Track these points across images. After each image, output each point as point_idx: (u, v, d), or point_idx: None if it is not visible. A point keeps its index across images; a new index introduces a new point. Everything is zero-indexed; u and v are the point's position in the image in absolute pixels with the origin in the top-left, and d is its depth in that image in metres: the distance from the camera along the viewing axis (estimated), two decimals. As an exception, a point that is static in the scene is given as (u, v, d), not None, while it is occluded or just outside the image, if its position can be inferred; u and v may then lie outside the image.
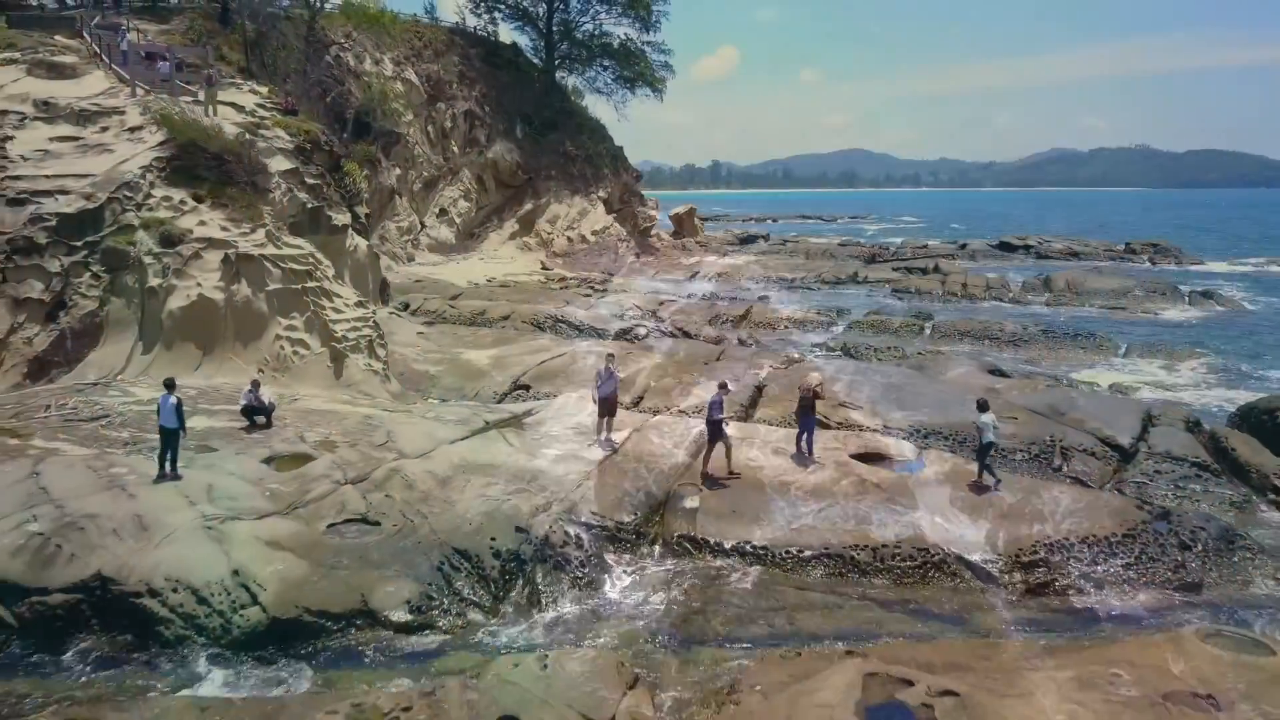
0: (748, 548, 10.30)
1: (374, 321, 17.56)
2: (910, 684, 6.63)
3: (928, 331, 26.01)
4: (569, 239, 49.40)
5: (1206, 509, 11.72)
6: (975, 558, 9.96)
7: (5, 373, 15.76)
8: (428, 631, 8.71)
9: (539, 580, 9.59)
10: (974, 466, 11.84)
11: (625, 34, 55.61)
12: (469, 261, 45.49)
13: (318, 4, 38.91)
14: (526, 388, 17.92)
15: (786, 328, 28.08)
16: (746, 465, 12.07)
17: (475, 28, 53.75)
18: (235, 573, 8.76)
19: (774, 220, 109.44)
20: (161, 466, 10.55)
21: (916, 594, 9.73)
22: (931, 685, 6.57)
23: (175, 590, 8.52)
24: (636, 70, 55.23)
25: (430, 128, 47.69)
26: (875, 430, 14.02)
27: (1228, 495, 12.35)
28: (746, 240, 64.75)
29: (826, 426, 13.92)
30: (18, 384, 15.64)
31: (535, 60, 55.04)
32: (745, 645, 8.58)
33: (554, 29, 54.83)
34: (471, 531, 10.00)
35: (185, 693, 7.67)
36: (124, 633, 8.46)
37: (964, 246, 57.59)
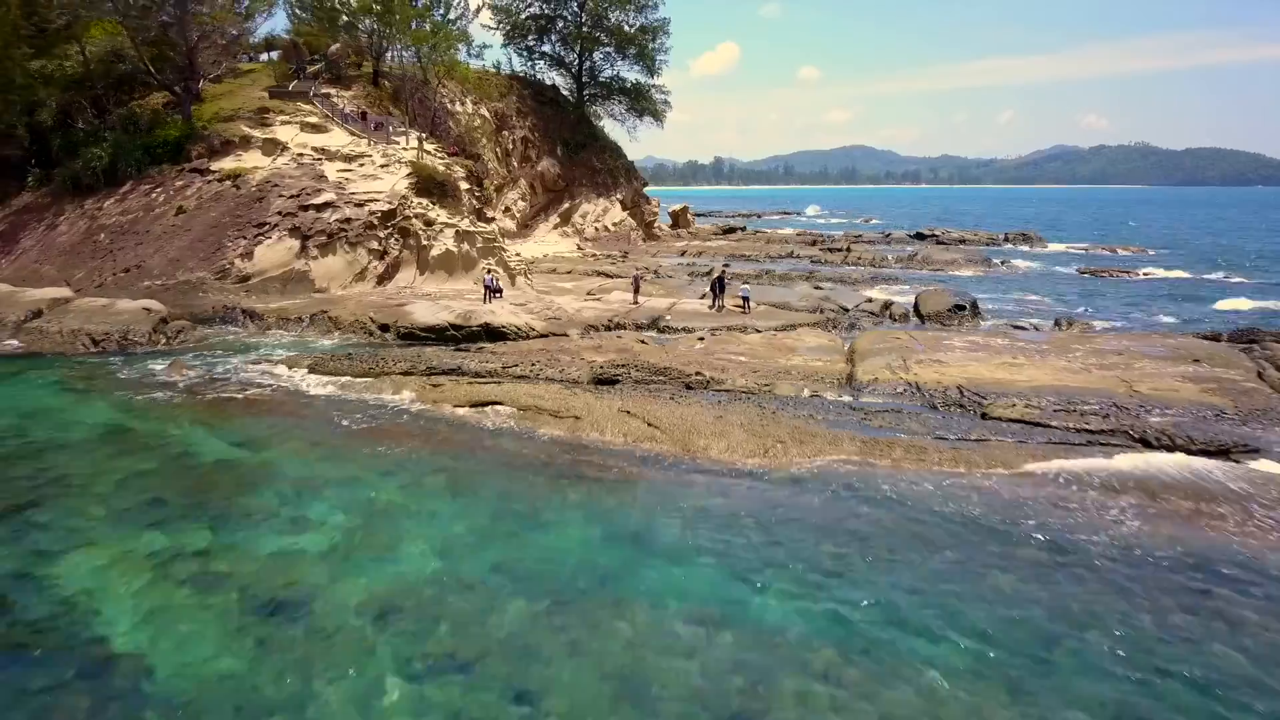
0: (684, 328, 29.68)
1: (526, 261, 37.14)
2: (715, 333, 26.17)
3: (809, 279, 45.33)
4: (595, 229, 68.83)
5: (867, 312, 31.07)
6: (762, 330, 29.43)
7: (368, 282, 35.24)
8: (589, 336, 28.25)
9: (614, 332, 29.16)
10: (780, 310, 31.36)
11: (635, 78, 75.21)
12: (526, 245, 64.80)
13: (436, 69, 58.21)
14: (592, 293, 37.38)
15: (731, 279, 47.49)
16: (689, 308, 31.62)
17: (524, 73, 73.16)
18: (527, 322, 28.30)
19: (759, 216, 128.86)
20: (486, 299, 30.33)
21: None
22: (711, 341, 26.06)
23: (511, 327, 28.01)
24: (643, 105, 74.73)
25: (498, 149, 66.99)
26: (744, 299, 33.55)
27: (875, 318, 31.81)
28: (728, 231, 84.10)
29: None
30: (374, 287, 35.11)
31: (569, 97, 74.43)
32: (678, 336, 28.02)
33: (583, 74, 74.28)
34: (592, 320, 29.53)
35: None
36: (492, 339, 27.87)
37: (887, 235, 77.10)
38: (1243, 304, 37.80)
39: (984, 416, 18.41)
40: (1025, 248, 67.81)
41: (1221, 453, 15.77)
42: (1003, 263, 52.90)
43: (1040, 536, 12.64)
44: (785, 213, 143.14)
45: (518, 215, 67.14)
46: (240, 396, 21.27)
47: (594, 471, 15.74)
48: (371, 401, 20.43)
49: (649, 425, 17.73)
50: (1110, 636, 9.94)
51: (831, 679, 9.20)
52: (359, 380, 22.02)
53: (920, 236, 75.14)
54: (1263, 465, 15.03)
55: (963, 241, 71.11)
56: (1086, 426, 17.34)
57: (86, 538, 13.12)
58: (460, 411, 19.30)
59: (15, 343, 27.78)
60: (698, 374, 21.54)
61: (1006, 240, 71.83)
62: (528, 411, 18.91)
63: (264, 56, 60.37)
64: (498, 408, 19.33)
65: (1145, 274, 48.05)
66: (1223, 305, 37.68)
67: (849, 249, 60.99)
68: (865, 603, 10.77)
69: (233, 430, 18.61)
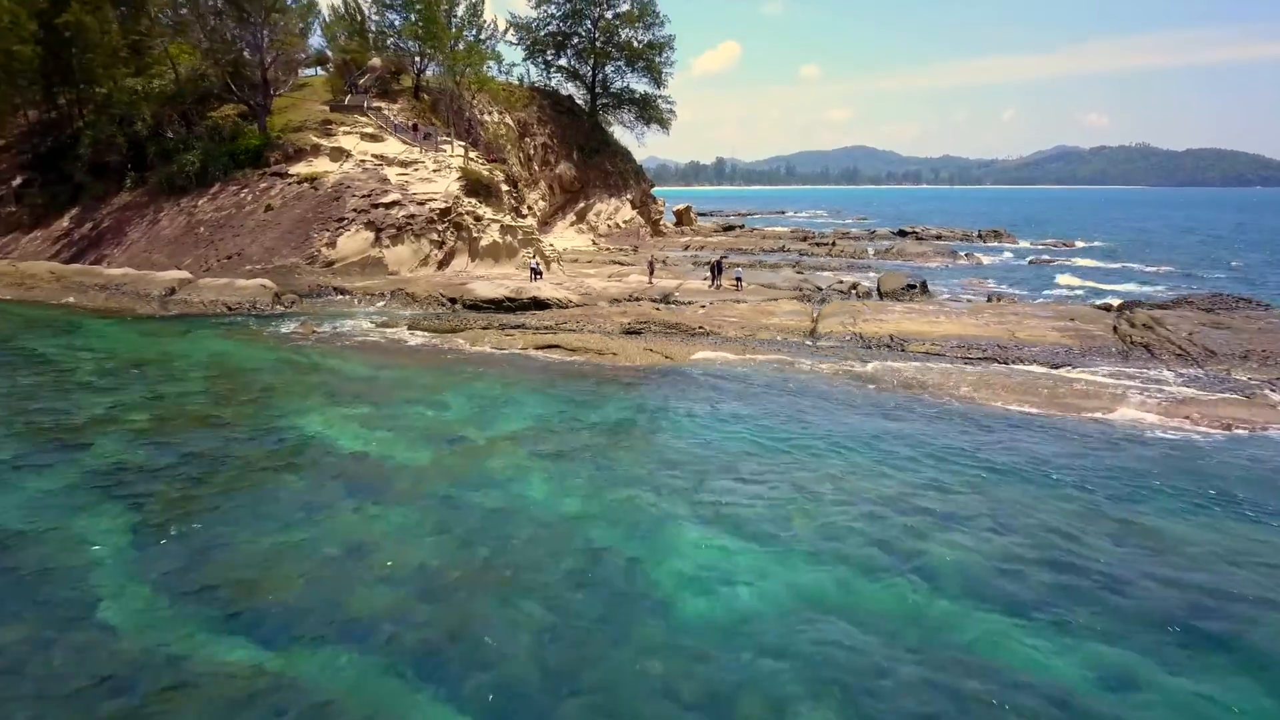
0: (689, 301, 37.35)
1: (559, 251, 44.84)
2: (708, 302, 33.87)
3: (795, 267, 52.93)
4: (608, 226, 76.48)
5: (837, 291, 38.73)
6: (750, 302, 37.11)
7: (430, 267, 42.89)
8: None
9: (634, 303, 36.87)
10: (767, 289, 39.01)
11: (644, 89, 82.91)
12: (547, 241, 72.48)
13: (466, 83, 65.89)
14: (613, 276, 45.01)
15: (728, 266, 55.14)
16: (693, 286, 39.31)
17: (542, 84, 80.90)
18: (566, 296, 36.01)
19: (757, 214, 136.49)
20: (531, 279, 38.03)
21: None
22: (711, 308, 33.75)
23: (554, 299, 35.70)
24: (651, 114, 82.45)
25: (521, 154, 74.65)
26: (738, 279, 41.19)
27: (843, 295, 39.42)
28: (728, 228, 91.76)
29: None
30: (435, 271, 42.76)
31: (584, 107, 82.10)
32: (685, 306, 35.65)
33: (596, 86, 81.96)
34: (616, 295, 37.23)
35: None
36: (538, 309, 35.51)
37: (872, 233, 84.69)
38: (1074, 280, 47.83)
39: (902, 350, 26.09)
40: (993, 243, 75.33)
41: (1053, 366, 23.44)
42: (967, 256, 60.44)
43: (869, 388, 20.31)
44: (780, 212, 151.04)
45: (538, 214, 74.71)
46: (361, 343, 28.98)
47: (627, 379, 23.47)
48: (462, 346, 28.12)
49: (665, 356, 25.44)
50: (896, 442, 17.58)
51: (757, 462, 16.86)
52: (448, 334, 29.70)
53: (901, 233, 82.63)
54: (1065, 373, 22.70)
55: (938, 238, 78.62)
56: (969, 355, 25.03)
57: (307, 409, 20.79)
58: (530, 351, 26.98)
59: (164, 308, 35.56)
60: (700, 327, 29.26)
61: (979, 237, 79.25)
62: (578, 350, 26.59)
63: (312, 71, 68.23)
64: (556, 349, 27.01)
65: (1081, 262, 55.66)
66: (1060, 280, 48.27)
67: (834, 244, 68.66)
68: (781, 426, 18.45)
69: (367, 361, 26.32)
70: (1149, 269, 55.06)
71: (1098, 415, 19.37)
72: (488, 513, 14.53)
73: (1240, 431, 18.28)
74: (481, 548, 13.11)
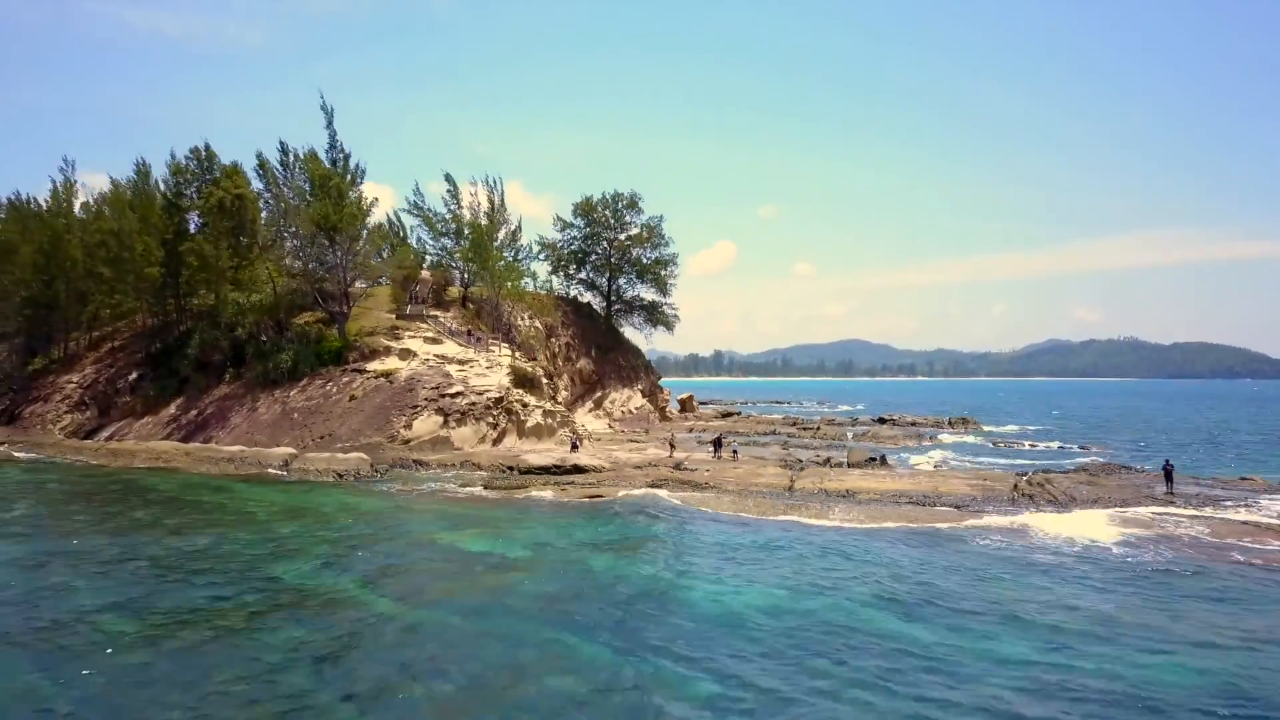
0: (692, 467, 47.29)
1: (589, 430, 55.31)
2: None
3: (783, 445, 63.04)
4: (622, 412, 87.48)
5: (814, 462, 48.70)
6: (744, 468, 47.09)
7: (486, 444, 53.08)
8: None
9: (654, 468, 46.86)
10: (758, 460, 49.15)
11: (652, 297, 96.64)
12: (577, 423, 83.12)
13: (505, 293, 78.89)
14: (633, 450, 55.13)
15: (727, 442, 65.37)
16: (700, 457, 49.45)
17: (566, 294, 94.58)
18: (600, 463, 46.05)
19: (754, 404, 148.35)
20: (571, 450, 48.24)
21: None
22: (714, 471, 43.76)
23: (591, 466, 45.68)
24: (657, 318, 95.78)
25: (547, 351, 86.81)
26: (735, 451, 51.33)
27: (819, 466, 49.37)
28: (726, 415, 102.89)
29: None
30: (491, 447, 52.93)
31: (600, 312, 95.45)
32: (693, 470, 45.48)
33: (611, 294, 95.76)
34: (638, 463, 47.28)
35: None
36: (579, 473, 45.36)
37: (855, 420, 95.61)
38: (949, 454, 58.69)
39: (854, 499, 35.91)
40: (959, 429, 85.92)
41: (956, 508, 33.21)
42: (931, 438, 70.83)
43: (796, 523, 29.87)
44: (776, 401, 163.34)
45: (561, 402, 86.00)
46: (452, 496, 38.75)
47: (652, 512, 33.21)
48: (529, 497, 37.89)
49: (681, 501, 35.21)
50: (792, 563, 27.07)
51: (721, 571, 26.35)
52: (515, 490, 39.55)
53: (880, 420, 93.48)
54: (977, 520, 32.50)
55: (912, 424, 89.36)
56: (898, 500, 34.85)
57: (434, 530, 30.35)
58: (583, 500, 36.76)
59: (285, 474, 45.50)
60: (706, 483, 39.19)
61: (949, 424, 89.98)
62: (618, 497, 36.36)
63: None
64: (601, 498, 36.79)
65: (1030, 444, 66.06)
66: (936, 450, 59.37)
67: (819, 428, 79.36)
68: (751, 541, 27.97)
69: (462, 506, 36.04)
70: (1075, 445, 65.22)
71: (968, 526, 29.05)
72: (571, 573, 24.06)
73: (1058, 540, 27.97)
74: (571, 583, 22.61)
